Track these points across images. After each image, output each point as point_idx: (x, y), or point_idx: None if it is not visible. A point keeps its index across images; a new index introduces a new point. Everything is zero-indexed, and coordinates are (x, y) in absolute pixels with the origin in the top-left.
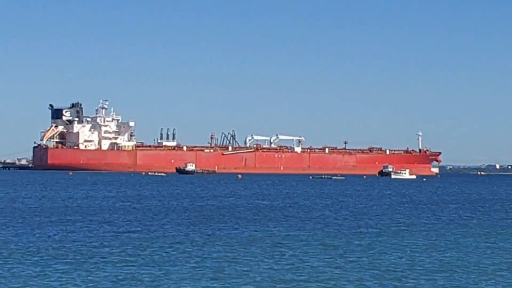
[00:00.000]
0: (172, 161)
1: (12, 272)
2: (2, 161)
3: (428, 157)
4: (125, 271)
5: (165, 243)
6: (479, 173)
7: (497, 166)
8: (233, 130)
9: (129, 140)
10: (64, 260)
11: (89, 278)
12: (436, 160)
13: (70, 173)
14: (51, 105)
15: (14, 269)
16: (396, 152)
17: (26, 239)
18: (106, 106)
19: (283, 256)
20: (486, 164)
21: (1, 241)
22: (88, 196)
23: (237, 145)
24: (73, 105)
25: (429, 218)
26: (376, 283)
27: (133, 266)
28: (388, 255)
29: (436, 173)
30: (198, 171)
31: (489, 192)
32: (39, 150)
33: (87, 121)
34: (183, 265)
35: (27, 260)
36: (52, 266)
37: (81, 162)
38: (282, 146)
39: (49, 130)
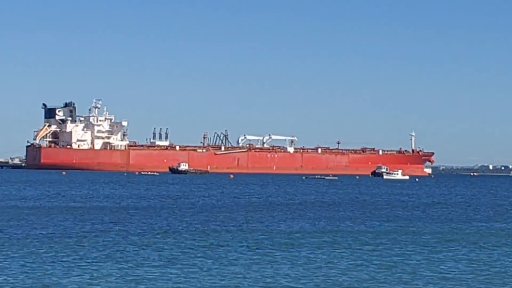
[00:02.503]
0: (165, 160)
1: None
2: None
3: (421, 157)
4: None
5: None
6: (472, 173)
7: (490, 167)
8: (225, 130)
9: (122, 140)
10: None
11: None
12: (429, 161)
13: (63, 172)
14: (44, 105)
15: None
16: (389, 152)
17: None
18: (99, 106)
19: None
20: (479, 165)
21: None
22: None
23: (229, 145)
24: (66, 105)
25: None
26: None
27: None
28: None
29: (429, 174)
30: (191, 171)
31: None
32: (32, 150)
33: (80, 121)
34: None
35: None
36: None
37: (74, 161)
38: (275, 146)
39: (42, 129)
